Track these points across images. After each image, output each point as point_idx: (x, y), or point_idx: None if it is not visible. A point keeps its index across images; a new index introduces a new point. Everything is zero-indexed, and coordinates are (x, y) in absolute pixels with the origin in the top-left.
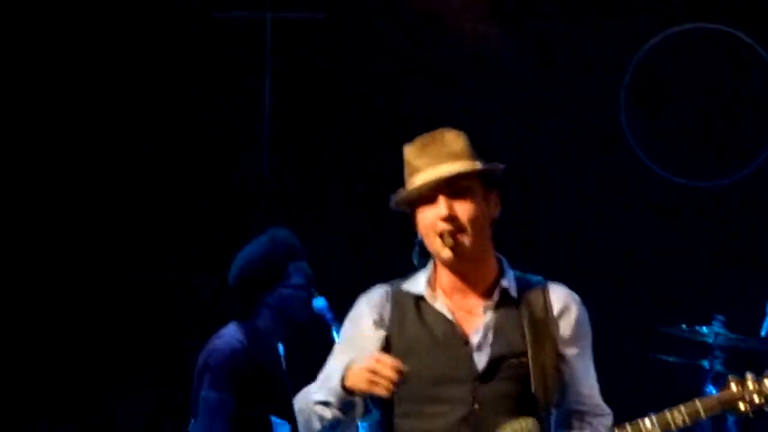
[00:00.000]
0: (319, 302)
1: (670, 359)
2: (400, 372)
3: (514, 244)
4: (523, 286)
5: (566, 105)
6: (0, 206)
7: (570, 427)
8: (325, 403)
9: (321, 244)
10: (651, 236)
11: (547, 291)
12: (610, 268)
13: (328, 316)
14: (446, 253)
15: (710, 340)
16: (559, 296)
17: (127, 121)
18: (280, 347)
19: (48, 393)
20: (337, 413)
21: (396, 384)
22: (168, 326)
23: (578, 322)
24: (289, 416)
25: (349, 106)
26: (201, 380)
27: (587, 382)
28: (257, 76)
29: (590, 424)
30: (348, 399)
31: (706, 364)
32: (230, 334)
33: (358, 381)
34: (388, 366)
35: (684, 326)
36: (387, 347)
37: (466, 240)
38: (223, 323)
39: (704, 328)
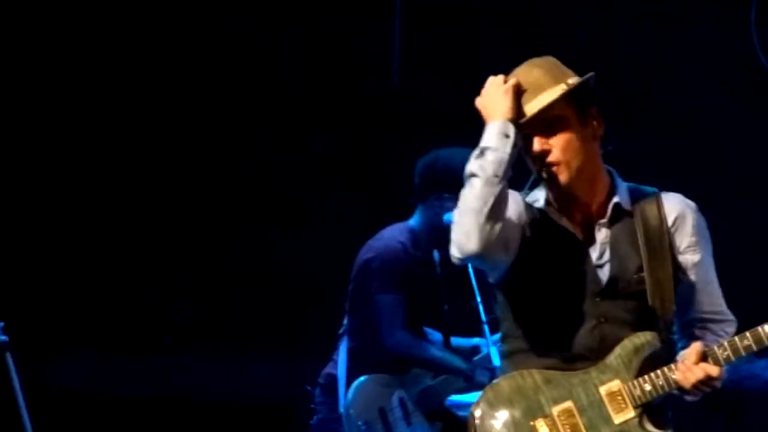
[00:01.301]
0: (450, 216)
1: None
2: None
3: (637, 161)
4: (637, 198)
5: (697, 14)
6: None
7: (691, 335)
8: (482, 152)
9: None
10: None
11: (660, 201)
12: (744, 181)
13: None
14: (547, 184)
15: None
16: (674, 205)
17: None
18: (436, 254)
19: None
20: (498, 153)
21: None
22: None
23: (695, 230)
24: (440, 324)
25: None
26: (366, 283)
27: (707, 289)
28: None
29: (711, 330)
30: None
31: None
32: (391, 235)
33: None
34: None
35: None
36: (517, 259)
37: (562, 171)
38: None
39: None
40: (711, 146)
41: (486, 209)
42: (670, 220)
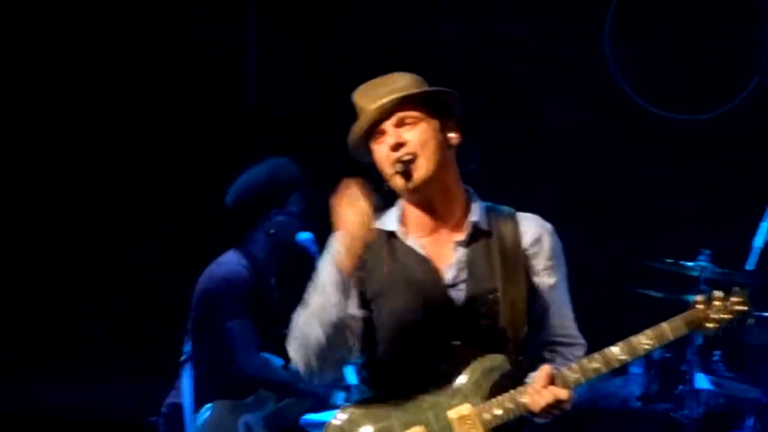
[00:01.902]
0: (305, 236)
1: (655, 294)
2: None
3: (499, 177)
4: (494, 218)
5: (552, 36)
6: None
7: (541, 358)
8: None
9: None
10: (637, 169)
11: (517, 221)
12: (596, 201)
13: (312, 249)
14: (399, 181)
15: (696, 274)
16: (530, 227)
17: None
18: (272, 280)
19: None
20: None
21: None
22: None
23: (551, 252)
24: (280, 350)
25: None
26: (211, 310)
27: (560, 312)
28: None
29: (560, 353)
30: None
31: (691, 298)
32: (232, 260)
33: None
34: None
35: (669, 260)
36: (362, 287)
37: (418, 166)
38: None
39: (690, 262)
40: (571, 165)
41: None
42: (526, 242)
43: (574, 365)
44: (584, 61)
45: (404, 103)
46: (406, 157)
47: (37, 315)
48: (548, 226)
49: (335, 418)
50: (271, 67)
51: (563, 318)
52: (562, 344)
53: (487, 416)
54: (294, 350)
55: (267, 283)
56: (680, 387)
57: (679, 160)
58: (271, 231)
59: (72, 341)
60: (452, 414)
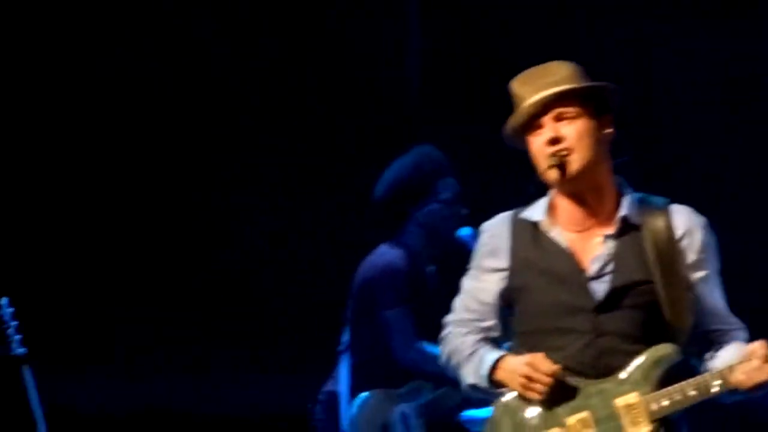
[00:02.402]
0: (465, 231)
1: None
2: (554, 374)
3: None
4: (645, 210)
5: (707, 38)
6: None
7: (716, 343)
8: (476, 388)
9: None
10: None
11: (670, 214)
12: (744, 198)
13: (473, 245)
14: (554, 173)
15: None
16: (683, 219)
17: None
18: (431, 269)
19: None
20: (486, 396)
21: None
22: None
23: (703, 245)
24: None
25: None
26: (369, 300)
27: (713, 306)
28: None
29: (734, 336)
30: (492, 391)
31: None
32: (389, 251)
33: (510, 381)
34: (542, 371)
35: None
36: (508, 280)
37: (573, 160)
38: None
39: None
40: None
41: None
42: (678, 234)
43: None
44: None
45: (563, 97)
46: (563, 152)
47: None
48: (701, 219)
49: (502, 399)
50: (433, 59)
51: (717, 310)
52: (723, 331)
53: (654, 406)
54: (444, 354)
55: (423, 273)
56: None
57: None
58: (423, 221)
59: (232, 337)
60: (619, 402)
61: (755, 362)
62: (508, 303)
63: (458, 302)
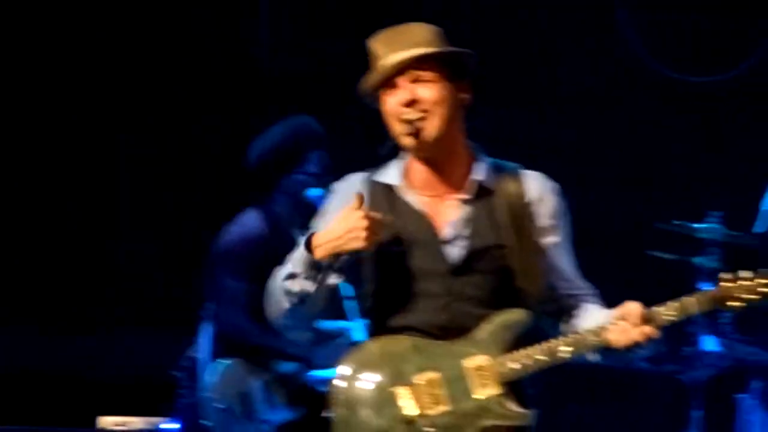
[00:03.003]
0: (315, 192)
1: (664, 255)
2: (374, 219)
3: (509, 136)
4: (499, 175)
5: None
6: None
7: (569, 308)
8: (292, 276)
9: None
10: (648, 131)
11: (523, 179)
12: (607, 163)
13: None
14: (408, 140)
15: (704, 236)
16: (536, 185)
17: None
18: (297, 235)
19: None
20: (305, 283)
21: (372, 236)
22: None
23: (555, 211)
24: None
25: None
26: (219, 267)
27: (566, 270)
28: None
29: (587, 300)
30: (315, 262)
31: (700, 261)
32: (248, 220)
33: (328, 242)
34: (354, 213)
35: (678, 222)
36: None
37: (428, 125)
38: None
39: (698, 224)
40: (583, 127)
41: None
42: (531, 199)
43: (666, 306)
44: (596, 24)
45: (422, 60)
46: (417, 115)
47: (59, 267)
48: (553, 184)
49: (353, 353)
50: (284, 26)
51: (569, 275)
52: (575, 296)
53: (503, 369)
54: (270, 308)
55: (289, 239)
56: (686, 348)
57: (691, 123)
58: (289, 190)
59: (96, 295)
60: (469, 363)
61: (624, 324)
62: (361, 266)
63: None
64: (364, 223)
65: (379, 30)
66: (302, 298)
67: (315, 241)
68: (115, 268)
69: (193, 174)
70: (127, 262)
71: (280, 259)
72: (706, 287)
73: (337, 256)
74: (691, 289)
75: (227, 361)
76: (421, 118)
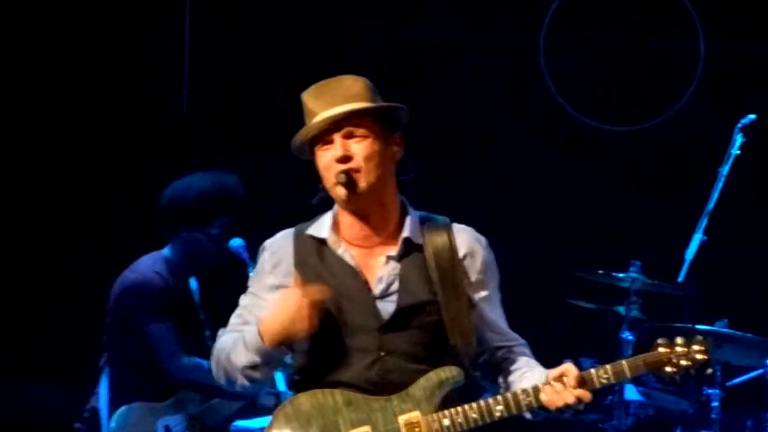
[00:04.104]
0: (236, 242)
1: (587, 305)
2: (315, 303)
3: (431, 186)
4: (428, 230)
5: (486, 46)
6: None
7: (501, 360)
8: (253, 367)
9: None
10: (571, 180)
11: (452, 234)
12: (529, 212)
13: (244, 255)
14: (341, 192)
15: (627, 285)
16: (465, 239)
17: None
18: (193, 282)
19: None
20: (266, 370)
21: (315, 316)
22: None
23: (485, 265)
24: (204, 352)
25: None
26: (127, 315)
27: (496, 324)
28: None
29: (519, 351)
30: (274, 353)
31: (622, 310)
32: (145, 265)
33: (275, 331)
34: (296, 293)
35: (600, 271)
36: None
37: (361, 179)
38: None
39: (621, 273)
40: (506, 176)
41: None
42: (461, 254)
43: (600, 370)
44: (520, 72)
45: (355, 115)
46: (349, 169)
47: None
48: (482, 238)
49: (283, 406)
50: (205, 74)
51: (499, 328)
52: (507, 348)
53: (435, 425)
54: (215, 365)
55: (185, 287)
56: (609, 398)
57: (615, 172)
58: (185, 244)
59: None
60: (402, 419)
61: (558, 385)
62: None
63: (233, 318)
64: (305, 309)
65: (312, 83)
66: (263, 380)
67: (262, 328)
68: (15, 316)
69: (94, 221)
70: (26, 311)
71: (178, 303)
72: (627, 336)
73: (287, 342)
74: (613, 338)
75: (128, 406)
76: (355, 173)
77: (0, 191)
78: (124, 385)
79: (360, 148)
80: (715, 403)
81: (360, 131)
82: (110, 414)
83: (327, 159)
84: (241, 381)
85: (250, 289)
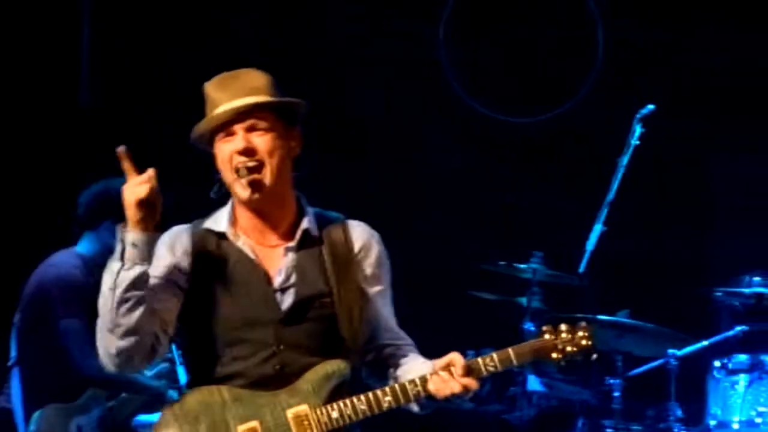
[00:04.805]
0: None
1: (489, 296)
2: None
3: (333, 181)
4: (324, 225)
5: (386, 41)
6: None
7: (389, 357)
8: (121, 302)
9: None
10: (472, 171)
11: (347, 229)
12: (429, 205)
13: None
14: (242, 189)
15: (528, 276)
16: (360, 234)
17: None
18: None
19: None
20: (131, 270)
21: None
22: None
23: (379, 260)
24: None
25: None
26: (43, 311)
27: (387, 319)
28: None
29: (407, 350)
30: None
31: (524, 301)
32: (63, 260)
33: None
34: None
35: (502, 263)
36: (190, 289)
37: (264, 175)
38: None
39: (522, 264)
40: (404, 167)
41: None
42: (356, 248)
43: (486, 359)
44: (419, 63)
45: (259, 108)
46: (252, 164)
47: None
48: (375, 233)
49: (171, 407)
50: (105, 68)
51: (390, 324)
52: (395, 345)
53: (324, 418)
54: (101, 336)
55: (98, 284)
56: (512, 388)
57: (514, 163)
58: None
59: None
60: (290, 413)
61: (449, 374)
62: (182, 316)
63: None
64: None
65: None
66: (133, 282)
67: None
68: None
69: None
70: None
71: (93, 299)
72: (529, 327)
73: (142, 215)
74: (515, 330)
75: (42, 410)
76: (257, 168)
77: None
78: (38, 385)
79: (263, 142)
80: (617, 393)
81: (262, 124)
82: (26, 414)
83: (227, 151)
84: (118, 342)
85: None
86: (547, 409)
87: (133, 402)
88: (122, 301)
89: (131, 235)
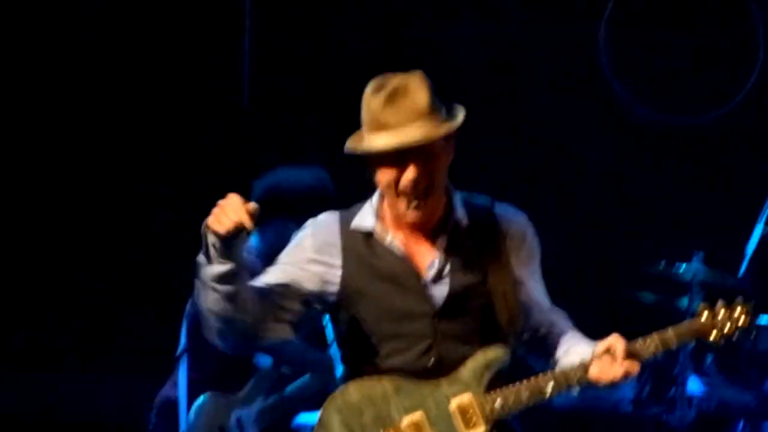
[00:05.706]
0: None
1: (649, 297)
2: (246, 212)
3: (493, 178)
4: (472, 211)
5: (545, 41)
6: None
7: (545, 337)
8: (219, 279)
9: None
10: (632, 172)
11: (496, 213)
12: (590, 203)
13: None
14: (408, 212)
15: (689, 278)
16: (508, 218)
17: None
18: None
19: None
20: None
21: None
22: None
23: (528, 243)
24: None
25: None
26: None
27: (544, 298)
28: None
29: (563, 327)
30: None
31: (684, 302)
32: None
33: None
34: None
35: (663, 263)
36: (340, 284)
37: (429, 196)
38: None
39: (683, 265)
40: (566, 168)
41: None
42: (506, 233)
43: (647, 340)
44: (580, 65)
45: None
46: (419, 190)
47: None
48: (523, 216)
49: (333, 398)
50: (267, 70)
51: (543, 304)
52: (551, 322)
53: (488, 407)
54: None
55: None
56: (672, 391)
57: (675, 163)
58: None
59: (70, 337)
60: (454, 402)
61: (607, 359)
62: (332, 307)
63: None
64: (234, 212)
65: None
66: (217, 278)
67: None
68: (83, 308)
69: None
70: (94, 303)
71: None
72: None
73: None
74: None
75: (203, 397)
76: (423, 193)
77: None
78: (201, 374)
79: (430, 172)
80: None
81: (429, 149)
82: (190, 404)
83: (393, 177)
84: (212, 301)
85: (284, 261)
86: (707, 411)
87: (292, 403)
88: (210, 293)
89: (212, 237)
